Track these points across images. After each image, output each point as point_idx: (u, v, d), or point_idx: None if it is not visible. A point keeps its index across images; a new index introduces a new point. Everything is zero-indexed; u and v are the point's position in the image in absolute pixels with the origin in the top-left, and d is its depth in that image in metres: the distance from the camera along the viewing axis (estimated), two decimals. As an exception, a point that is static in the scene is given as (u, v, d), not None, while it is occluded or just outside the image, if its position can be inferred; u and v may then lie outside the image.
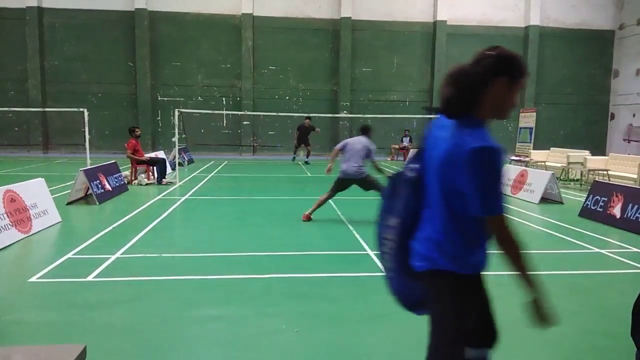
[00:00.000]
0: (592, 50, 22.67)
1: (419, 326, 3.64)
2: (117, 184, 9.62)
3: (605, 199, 7.62)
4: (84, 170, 8.43)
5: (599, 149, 21.91)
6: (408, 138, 20.34)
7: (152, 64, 20.70)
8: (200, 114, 18.98)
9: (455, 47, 21.86)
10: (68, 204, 8.25)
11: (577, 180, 12.70)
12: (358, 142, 7.54)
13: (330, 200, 9.17)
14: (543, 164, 14.57)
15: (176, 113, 11.97)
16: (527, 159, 15.71)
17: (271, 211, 8.18)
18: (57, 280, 4.48)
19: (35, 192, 6.65)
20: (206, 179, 12.59)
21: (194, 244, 5.96)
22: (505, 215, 1.79)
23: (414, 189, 2.00)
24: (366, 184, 7.57)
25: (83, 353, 1.76)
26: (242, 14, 20.68)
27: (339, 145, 7.72)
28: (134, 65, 20.62)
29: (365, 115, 19.29)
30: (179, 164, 12.98)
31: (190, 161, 16.62)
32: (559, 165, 13.68)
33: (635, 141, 21.25)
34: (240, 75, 21.06)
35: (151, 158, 11.65)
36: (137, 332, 3.45)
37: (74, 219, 7.36)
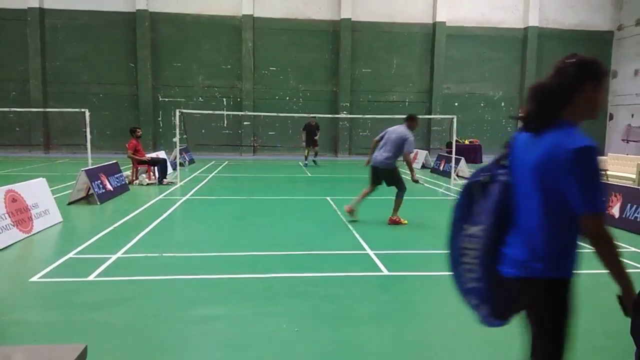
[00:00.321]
0: (591, 51, 22.64)
1: (418, 326, 3.66)
2: (118, 184, 9.63)
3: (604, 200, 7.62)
4: (86, 170, 8.45)
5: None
6: (408, 138, 20.32)
7: (153, 64, 20.73)
8: (201, 114, 18.98)
9: (455, 48, 21.88)
10: (69, 203, 8.27)
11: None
12: (395, 131, 7.20)
13: (330, 200, 9.21)
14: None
15: (177, 113, 11.98)
16: (527, 159, 15.72)
17: (271, 211, 8.19)
18: (58, 280, 4.50)
19: (36, 192, 6.67)
20: (207, 179, 12.61)
21: (194, 244, 5.97)
22: (604, 212, 1.86)
23: (504, 194, 2.00)
24: (389, 178, 7.27)
25: (83, 353, 1.77)
26: (243, 15, 20.71)
27: (378, 136, 7.42)
28: (135, 66, 20.65)
29: (365, 116, 19.29)
30: (180, 164, 13.00)
31: (191, 161, 16.64)
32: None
33: (634, 141, 21.25)
34: (240, 76, 21.08)
35: (152, 158, 11.67)
36: (137, 332, 3.46)
37: (75, 219, 7.37)
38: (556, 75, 1.90)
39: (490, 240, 2.01)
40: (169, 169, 12.77)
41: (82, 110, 11.51)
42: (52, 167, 15.30)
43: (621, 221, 7.14)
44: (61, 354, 1.77)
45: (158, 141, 20.97)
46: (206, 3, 20.69)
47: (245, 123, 21.19)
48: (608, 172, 11.67)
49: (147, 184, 11.14)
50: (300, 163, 17.48)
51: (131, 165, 11.52)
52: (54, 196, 7.36)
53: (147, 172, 11.50)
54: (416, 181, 7.43)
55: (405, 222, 7.29)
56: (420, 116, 22.28)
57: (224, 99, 21.34)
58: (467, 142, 19.84)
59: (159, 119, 21.18)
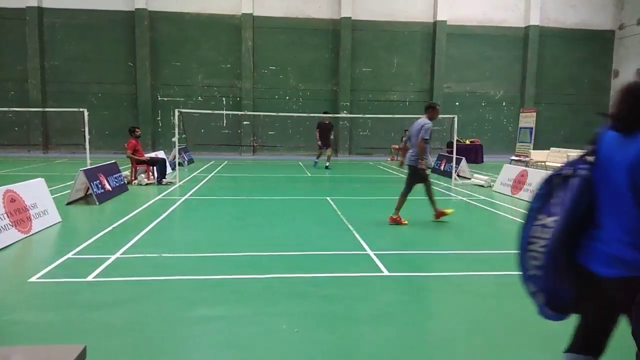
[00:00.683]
0: (592, 50, 22.68)
1: (419, 327, 3.65)
2: (117, 184, 9.61)
3: None
4: (84, 170, 8.43)
5: (599, 149, 21.88)
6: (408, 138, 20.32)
7: (152, 64, 20.71)
8: (200, 114, 18.97)
9: (455, 47, 21.87)
10: (68, 204, 8.25)
11: (577, 180, 12.67)
12: (415, 124, 7.14)
13: (329, 200, 9.19)
14: (543, 164, 14.57)
15: (176, 113, 11.97)
16: (527, 159, 15.72)
17: (271, 211, 8.18)
18: (57, 280, 4.48)
19: (35, 192, 6.65)
20: (206, 179, 12.59)
21: (194, 244, 5.96)
22: None
23: (583, 189, 2.05)
24: (416, 175, 7.18)
25: (83, 353, 1.76)
26: (242, 14, 20.69)
27: (405, 137, 7.56)
28: (134, 65, 20.63)
29: (365, 116, 19.30)
30: (179, 164, 12.99)
31: (190, 161, 16.62)
32: (559, 165, 13.67)
33: (635, 141, 21.23)
34: (240, 75, 21.07)
35: (151, 158, 11.65)
36: (137, 332, 3.45)
37: (74, 219, 7.35)
38: None
39: (562, 232, 2.04)
40: (168, 169, 12.75)
41: (81, 109, 11.51)
42: (51, 167, 15.28)
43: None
44: (60, 354, 1.76)
45: (157, 141, 20.96)
46: (206, 2, 20.67)
47: (244, 123, 21.17)
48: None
49: (146, 184, 11.12)
50: (300, 163, 17.46)
51: (130, 165, 11.50)
52: (53, 196, 7.34)
53: (146, 172, 11.48)
54: (422, 169, 7.08)
55: (406, 222, 7.24)
56: (420, 116, 22.31)
57: (224, 99, 21.33)
58: (468, 141, 19.83)
59: (158, 118, 21.17)
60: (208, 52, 21.02)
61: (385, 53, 21.77)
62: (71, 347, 1.78)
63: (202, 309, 3.86)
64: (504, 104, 22.67)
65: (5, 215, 5.75)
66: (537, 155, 15.65)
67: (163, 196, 9.55)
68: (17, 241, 5.79)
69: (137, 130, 11.42)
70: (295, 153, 21.54)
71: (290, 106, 21.32)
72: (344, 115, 20.08)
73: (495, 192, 10.89)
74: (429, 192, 7.29)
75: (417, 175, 7.17)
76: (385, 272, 4.87)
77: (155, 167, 11.41)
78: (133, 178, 11.21)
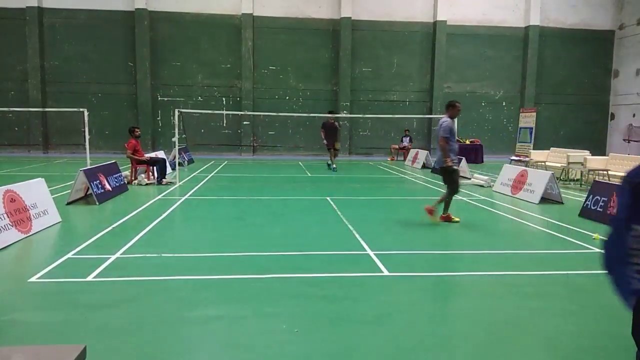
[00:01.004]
0: (592, 50, 22.68)
1: (419, 327, 3.65)
2: (117, 184, 9.61)
3: (606, 199, 7.61)
4: (84, 170, 8.42)
5: (599, 149, 21.91)
6: (408, 138, 20.35)
7: (152, 64, 20.71)
8: (200, 114, 18.99)
9: (455, 47, 21.88)
10: (68, 204, 8.25)
11: (577, 180, 12.70)
12: (439, 124, 7.07)
13: (329, 200, 9.19)
14: (543, 164, 14.57)
15: (176, 113, 11.97)
16: (527, 159, 15.72)
17: (271, 211, 8.17)
18: (57, 280, 4.48)
19: (35, 192, 6.65)
20: (206, 179, 12.59)
21: (193, 244, 5.96)
22: None
23: None
24: (445, 175, 7.12)
25: (83, 353, 1.76)
26: (242, 14, 20.69)
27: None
28: (134, 65, 20.63)
29: (365, 116, 19.31)
30: (179, 164, 12.98)
31: (190, 161, 16.62)
32: (559, 165, 13.68)
33: (636, 141, 21.25)
34: (240, 75, 21.07)
35: (151, 158, 11.65)
36: (137, 332, 3.44)
37: (73, 219, 7.35)
38: None
39: None
40: (168, 169, 12.76)
41: (81, 109, 11.52)
42: (51, 167, 15.28)
43: (622, 221, 7.11)
44: (60, 354, 1.76)
45: (157, 141, 20.96)
46: (206, 2, 20.67)
47: (244, 123, 21.17)
48: (609, 172, 11.67)
49: (146, 184, 11.12)
50: (300, 163, 17.43)
51: (130, 165, 11.50)
52: (53, 196, 7.34)
53: (146, 172, 11.48)
54: (449, 167, 6.95)
55: (458, 219, 7.24)
56: (420, 116, 22.29)
57: (224, 99, 21.33)
58: (468, 142, 19.83)
59: (158, 118, 21.17)
60: (208, 52, 21.02)
61: (385, 53, 21.76)
62: (71, 347, 1.77)
63: (202, 309, 3.86)
64: (504, 104, 22.67)
65: (5, 215, 5.75)
66: (537, 155, 15.64)
67: (163, 196, 9.55)
68: (17, 241, 5.78)
69: (136, 130, 11.42)
70: (295, 153, 21.54)
71: (290, 106, 21.32)
72: (344, 115, 20.07)
73: (495, 192, 10.89)
74: (449, 194, 7.18)
75: (450, 173, 7.09)
76: (385, 272, 4.87)
77: (155, 167, 11.40)
78: (133, 178, 11.20)
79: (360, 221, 7.31)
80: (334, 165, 15.18)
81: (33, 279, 4.48)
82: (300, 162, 17.94)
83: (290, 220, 7.50)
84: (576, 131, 22.68)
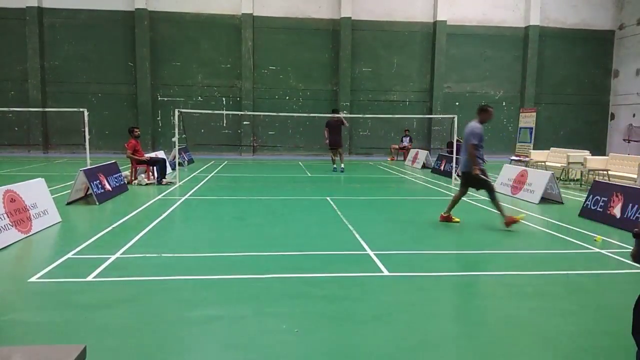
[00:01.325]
0: (592, 50, 22.68)
1: (419, 327, 3.64)
2: (117, 184, 9.61)
3: (605, 199, 7.62)
4: (84, 170, 8.42)
5: (599, 149, 21.91)
6: (408, 138, 20.35)
7: (152, 64, 20.71)
8: (200, 114, 18.98)
9: (455, 47, 21.88)
10: (68, 204, 8.24)
11: (577, 180, 12.70)
12: (467, 128, 6.86)
13: (329, 200, 9.19)
14: (543, 164, 14.57)
15: (176, 113, 11.96)
16: (527, 159, 15.72)
17: (271, 211, 8.17)
18: (57, 280, 4.48)
19: (35, 192, 6.65)
20: (206, 179, 12.59)
21: (193, 244, 5.96)
22: None
23: None
24: (472, 180, 6.94)
25: (83, 353, 1.76)
26: (242, 14, 20.69)
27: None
28: (134, 65, 20.63)
29: (365, 116, 19.30)
30: (179, 164, 12.98)
31: (190, 161, 16.62)
32: (559, 165, 13.68)
33: (635, 141, 21.25)
34: (240, 75, 21.07)
35: (151, 158, 11.65)
36: (137, 332, 3.44)
37: (73, 219, 7.35)
38: None
39: None
40: (168, 169, 12.76)
41: (81, 109, 11.51)
42: (51, 167, 15.28)
43: (622, 221, 7.12)
44: (60, 354, 1.76)
45: (157, 141, 20.96)
46: (205, 2, 20.67)
47: (244, 123, 21.17)
48: (609, 172, 11.67)
49: (146, 184, 11.12)
50: (300, 163, 17.42)
51: (130, 165, 11.50)
52: (53, 196, 7.34)
53: (146, 172, 11.48)
54: (476, 174, 6.78)
55: (522, 216, 7.05)
56: (420, 116, 22.30)
57: (224, 99, 21.33)
58: (467, 141, 19.78)
59: (158, 118, 21.17)
60: (208, 52, 21.02)
61: (385, 53, 21.76)
62: (71, 347, 1.77)
63: (202, 309, 3.86)
64: (504, 104, 22.67)
65: (5, 215, 5.75)
66: (537, 155, 15.64)
67: (163, 196, 9.55)
68: (17, 241, 5.78)
69: (135, 130, 11.42)
70: (295, 153, 21.54)
71: (290, 106, 21.32)
72: (344, 115, 20.03)
73: (495, 192, 10.87)
74: (493, 197, 6.92)
75: (472, 181, 6.97)
76: (385, 272, 4.87)
77: (155, 167, 11.40)
78: (133, 178, 11.20)
79: (360, 221, 7.31)
80: (342, 166, 14.59)
81: (33, 279, 4.48)
82: (300, 162, 17.95)
83: (290, 220, 7.50)
84: (576, 131, 22.67)
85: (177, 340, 3.33)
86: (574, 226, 7.23)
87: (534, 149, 16.99)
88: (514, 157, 16.86)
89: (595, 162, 12.46)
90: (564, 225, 7.34)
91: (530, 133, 18.50)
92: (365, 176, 14.12)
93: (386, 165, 17.63)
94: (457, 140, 12.06)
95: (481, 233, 6.88)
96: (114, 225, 6.74)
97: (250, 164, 17.71)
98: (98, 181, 8.74)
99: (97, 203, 8.32)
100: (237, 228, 6.88)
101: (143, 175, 11.32)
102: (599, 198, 7.77)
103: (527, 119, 19.21)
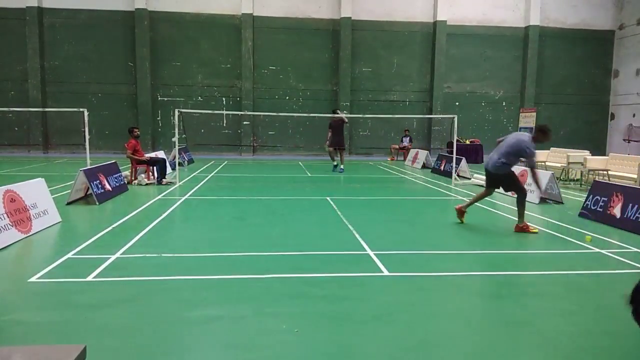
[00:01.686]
0: (592, 50, 22.68)
1: (419, 327, 3.64)
2: (117, 184, 9.61)
3: (605, 199, 7.62)
4: (84, 170, 8.42)
5: (599, 149, 21.91)
6: (408, 138, 20.35)
7: (152, 64, 20.71)
8: (200, 114, 18.98)
9: (455, 47, 21.87)
10: (68, 204, 8.24)
11: (577, 180, 12.70)
12: (515, 136, 6.70)
13: (329, 200, 9.19)
14: (543, 164, 14.57)
15: (176, 113, 11.96)
16: (527, 159, 15.71)
17: (271, 211, 8.17)
18: (57, 280, 4.48)
19: (35, 192, 6.64)
20: (206, 179, 12.59)
21: (194, 244, 5.96)
22: None
23: None
24: (504, 182, 6.91)
25: (83, 353, 1.76)
26: (242, 14, 20.69)
27: (501, 137, 7.14)
28: (134, 65, 20.63)
29: (365, 116, 19.30)
30: (179, 164, 12.98)
31: (190, 161, 16.62)
32: (559, 165, 13.68)
33: (636, 141, 21.25)
34: (240, 75, 21.07)
35: (151, 158, 11.64)
36: (137, 332, 3.44)
37: (73, 219, 7.35)
38: None
39: None
40: (168, 169, 12.75)
41: (81, 109, 11.50)
42: (51, 167, 15.28)
43: (622, 221, 7.13)
44: (60, 354, 1.76)
45: (157, 141, 20.96)
46: (206, 2, 20.67)
47: (244, 123, 21.17)
48: (609, 172, 11.67)
49: (146, 184, 11.12)
50: (300, 163, 17.39)
51: (130, 165, 11.50)
52: (53, 196, 7.34)
53: (146, 172, 11.48)
54: (513, 178, 6.70)
55: (536, 230, 6.77)
56: (420, 116, 22.31)
57: (224, 99, 21.33)
58: (468, 142, 19.83)
59: (158, 118, 21.17)
60: (208, 52, 21.02)
61: (385, 53, 21.76)
62: (71, 347, 1.78)
63: (202, 309, 3.86)
64: (504, 104, 22.67)
65: (5, 215, 5.75)
66: (537, 155, 15.63)
67: (163, 196, 9.55)
68: (17, 241, 5.78)
69: (135, 130, 11.41)
70: (295, 153, 21.54)
71: (290, 106, 21.32)
72: (344, 115, 20.02)
73: (495, 192, 10.87)
74: (521, 201, 6.79)
75: (503, 182, 6.93)
76: (385, 272, 4.87)
77: (155, 167, 11.40)
78: (133, 178, 11.20)
79: (360, 221, 7.31)
80: (342, 166, 14.50)
81: (33, 279, 4.48)
82: (300, 162, 17.95)
83: (290, 220, 7.50)
84: (576, 131, 22.67)
85: (177, 340, 3.33)
86: (574, 226, 7.23)
87: (534, 149, 16.97)
88: (514, 157, 16.85)
89: (595, 162, 12.46)
90: (564, 225, 7.34)
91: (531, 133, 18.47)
92: (365, 176, 14.12)
93: (386, 165, 17.63)
94: (457, 140, 12.07)
95: (481, 233, 6.88)
96: (114, 225, 6.74)
97: (250, 164, 17.71)
98: (98, 181, 8.74)
99: (97, 203, 8.32)
100: (237, 228, 6.88)
101: (143, 175, 11.32)
102: (599, 198, 7.77)
103: (527, 119, 19.20)
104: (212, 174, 13.68)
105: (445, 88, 21.97)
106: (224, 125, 21.37)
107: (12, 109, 16.40)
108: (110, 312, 3.76)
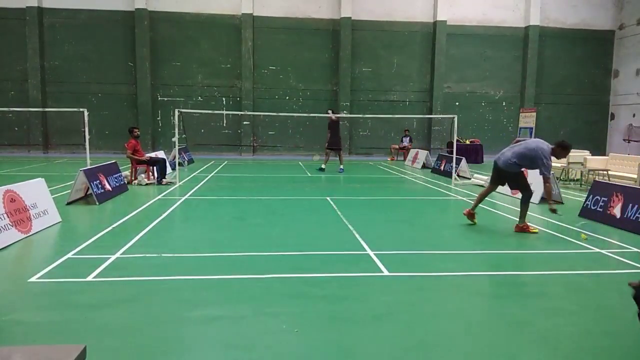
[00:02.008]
0: (592, 50, 22.68)
1: (419, 327, 3.64)
2: (117, 184, 9.61)
3: (605, 199, 7.62)
4: (84, 170, 8.42)
5: (599, 149, 21.91)
6: (408, 138, 20.35)
7: (152, 64, 20.71)
8: (200, 114, 18.98)
9: (455, 47, 21.88)
10: (68, 204, 8.24)
11: (577, 180, 12.70)
12: (537, 142, 6.60)
13: (329, 200, 9.19)
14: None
15: (176, 113, 11.97)
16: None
17: (271, 211, 8.17)
18: (57, 280, 4.48)
19: (35, 192, 6.64)
20: (206, 179, 12.59)
21: (194, 244, 5.96)
22: None
23: None
24: (512, 180, 6.96)
25: (83, 353, 1.76)
26: (242, 14, 20.69)
27: (519, 138, 7.26)
28: (134, 65, 20.63)
29: (365, 116, 19.30)
30: (179, 164, 12.98)
31: (190, 161, 16.62)
32: (559, 165, 13.68)
33: (635, 141, 21.25)
34: (240, 75, 21.07)
35: (151, 158, 11.64)
36: (137, 332, 3.44)
37: (73, 219, 7.35)
38: None
39: None
40: (168, 169, 12.75)
41: (81, 109, 11.50)
42: (51, 167, 15.28)
43: (622, 221, 7.13)
44: (60, 354, 1.76)
45: (157, 141, 20.96)
46: (206, 2, 20.68)
47: (244, 123, 21.17)
48: (609, 172, 11.67)
49: (146, 184, 11.12)
50: (300, 163, 17.40)
51: (130, 165, 11.50)
52: (53, 196, 7.34)
53: (146, 172, 11.48)
54: (553, 211, 6.48)
55: (536, 230, 6.81)
56: (420, 116, 22.31)
57: (224, 99, 21.33)
58: (468, 142, 19.83)
59: (158, 118, 21.17)
60: (208, 52, 21.02)
61: (385, 53, 21.76)
62: (71, 347, 1.78)
63: (202, 309, 3.86)
64: (504, 104, 22.67)
65: (5, 215, 5.75)
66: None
67: (163, 196, 9.55)
68: (17, 241, 5.78)
69: (135, 130, 11.41)
70: (295, 153, 21.54)
71: (290, 106, 21.32)
72: (344, 115, 20.07)
73: (495, 192, 10.88)
74: (526, 201, 6.87)
75: (511, 179, 6.94)
76: (385, 272, 4.87)
77: (155, 167, 11.40)
78: (133, 178, 11.20)
79: (360, 221, 7.31)
80: (342, 166, 14.57)
81: (33, 279, 4.48)
82: (300, 162, 17.94)
83: (290, 220, 7.50)
84: (576, 131, 22.67)
85: (177, 340, 3.33)
86: (574, 226, 7.23)
87: (534, 149, 16.98)
88: (514, 157, 16.86)
89: (595, 162, 12.46)
90: (564, 225, 7.34)
91: (530, 133, 18.51)
92: (365, 176, 14.12)
93: (386, 165, 17.63)
94: (457, 140, 12.06)
95: (481, 233, 6.88)
96: (114, 225, 6.74)
97: (250, 164, 17.71)
98: (98, 181, 8.74)
99: (97, 203, 8.32)
100: (237, 228, 6.88)
101: (143, 175, 11.32)
102: (599, 198, 7.77)
103: (527, 119, 19.21)
104: (212, 174, 13.68)
105: (445, 88, 21.97)
106: (224, 125, 21.37)
107: (12, 109, 16.41)
108: (110, 312, 3.76)
